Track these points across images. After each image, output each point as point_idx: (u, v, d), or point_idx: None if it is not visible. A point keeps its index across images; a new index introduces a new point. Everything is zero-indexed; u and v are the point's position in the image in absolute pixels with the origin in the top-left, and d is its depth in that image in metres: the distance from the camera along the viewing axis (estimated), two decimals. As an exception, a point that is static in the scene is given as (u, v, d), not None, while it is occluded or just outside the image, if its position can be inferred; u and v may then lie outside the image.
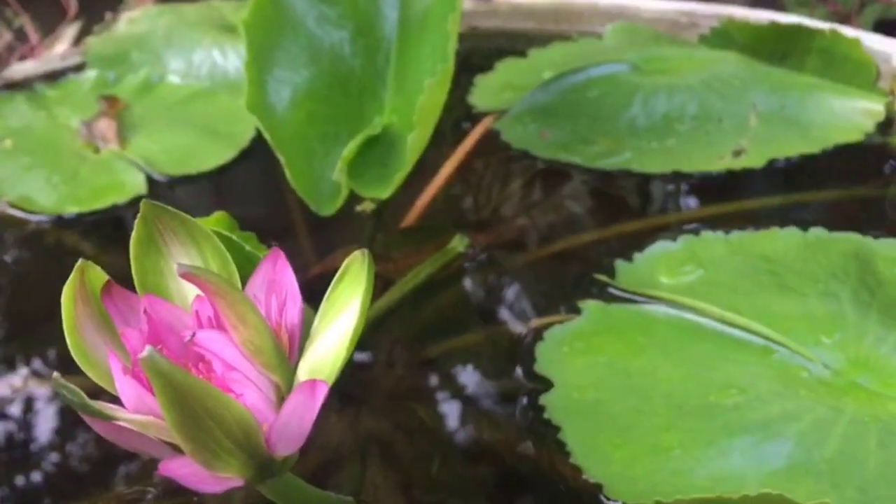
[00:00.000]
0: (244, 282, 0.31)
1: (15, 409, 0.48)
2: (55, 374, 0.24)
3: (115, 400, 0.27)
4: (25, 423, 0.47)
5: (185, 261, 0.29)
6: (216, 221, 0.44)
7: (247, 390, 0.25)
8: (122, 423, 0.25)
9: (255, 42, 0.57)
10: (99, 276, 0.28)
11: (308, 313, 0.29)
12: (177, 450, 0.26)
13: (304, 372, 0.27)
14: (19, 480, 0.44)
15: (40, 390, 0.49)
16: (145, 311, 0.27)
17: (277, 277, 0.29)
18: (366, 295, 0.27)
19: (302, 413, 0.25)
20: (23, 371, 0.50)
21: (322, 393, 0.25)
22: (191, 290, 0.28)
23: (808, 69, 0.68)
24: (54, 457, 0.45)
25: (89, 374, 0.27)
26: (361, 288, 0.27)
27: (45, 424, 0.47)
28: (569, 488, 0.39)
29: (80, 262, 0.28)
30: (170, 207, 0.29)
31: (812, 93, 0.64)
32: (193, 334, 0.25)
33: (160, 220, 0.29)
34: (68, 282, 0.27)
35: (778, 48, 0.70)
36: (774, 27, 0.70)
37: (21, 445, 0.46)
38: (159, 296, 0.28)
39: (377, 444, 0.44)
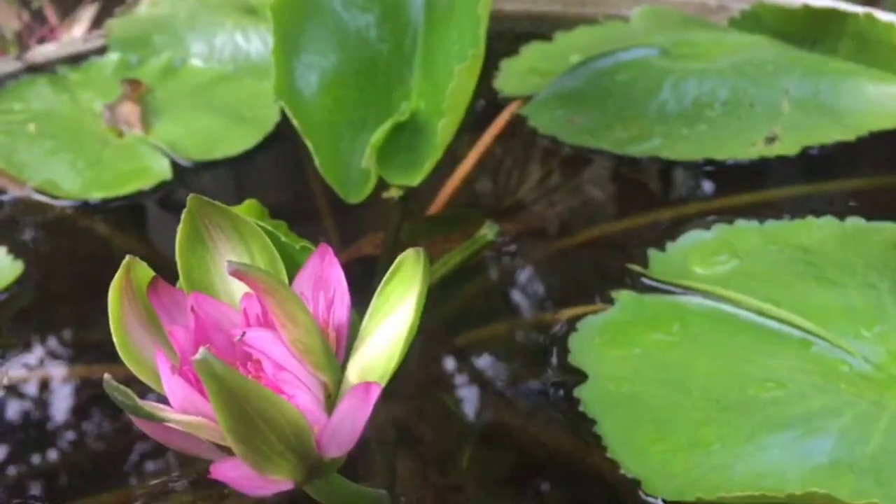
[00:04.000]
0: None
1: (40, 394, 0.48)
2: (106, 375, 0.24)
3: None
4: (47, 407, 0.47)
5: (232, 257, 0.28)
6: (246, 210, 0.43)
7: (298, 392, 0.25)
8: (171, 425, 0.25)
9: (281, 27, 0.56)
10: (145, 272, 0.28)
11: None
12: (224, 450, 0.26)
13: (354, 372, 0.27)
14: (48, 468, 0.43)
15: (65, 375, 0.49)
16: (192, 309, 0.27)
17: (325, 273, 0.28)
18: (420, 295, 0.26)
19: (354, 416, 0.25)
20: (48, 356, 0.50)
21: (375, 396, 0.24)
22: (237, 287, 0.28)
23: (841, 54, 0.66)
24: (81, 445, 0.45)
25: (135, 371, 0.27)
26: (416, 288, 0.26)
27: (70, 410, 0.47)
28: (606, 483, 0.38)
29: (126, 258, 0.27)
30: (217, 203, 0.29)
31: (846, 78, 0.63)
32: (244, 333, 0.25)
33: (207, 215, 0.29)
34: (115, 279, 0.27)
35: (810, 32, 0.69)
36: (807, 11, 0.69)
37: (45, 433, 0.45)
38: (205, 292, 0.28)
39: (407, 434, 0.44)
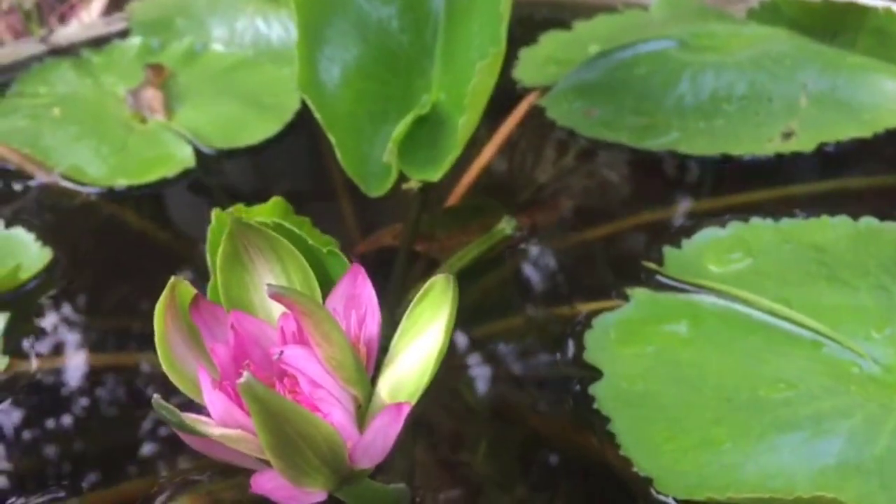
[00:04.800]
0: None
1: (68, 381, 0.49)
2: (155, 395, 0.25)
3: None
4: (75, 394, 0.48)
5: (270, 276, 0.30)
6: (272, 207, 0.44)
7: (333, 409, 0.26)
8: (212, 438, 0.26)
9: (305, 19, 0.56)
10: (188, 290, 0.29)
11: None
12: (262, 460, 0.27)
13: (385, 389, 0.28)
14: (75, 455, 0.45)
15: (93, 363, 0.50)
16: (233, 327, 0.28)
17: (357, 292, 0.29)
18: (450, 321, 0.27)
19: (385, 432, 0.26)
20: (77, 343, 0.51)
21: (405, 414, 0.26)
22: (274, 303, 0.29)
23: (860, 48, 0.67)
24: (108, 433, 0.46)
25: (178, 385, 0.28)
26: (446, 311, 0.27)
27: (98, 397, 0.48)
28: (619, 480, 0.40)
29: (171, 279, 0.28)
30: (256, 225, 0.30)
31: (864, 73, 0.63)
32: (281, 352, 0.26)
33: (246, 236, 0.30)
34: (160, 298, 0.28)
35: (829, 25, 0.69)
36: (826, 4, 0.69)
37: (73, 419, 0.47)
38: (244, 309, 0.29)
39: (423, 426, 0.45)
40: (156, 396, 0.25)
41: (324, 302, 0.30)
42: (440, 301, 0.28)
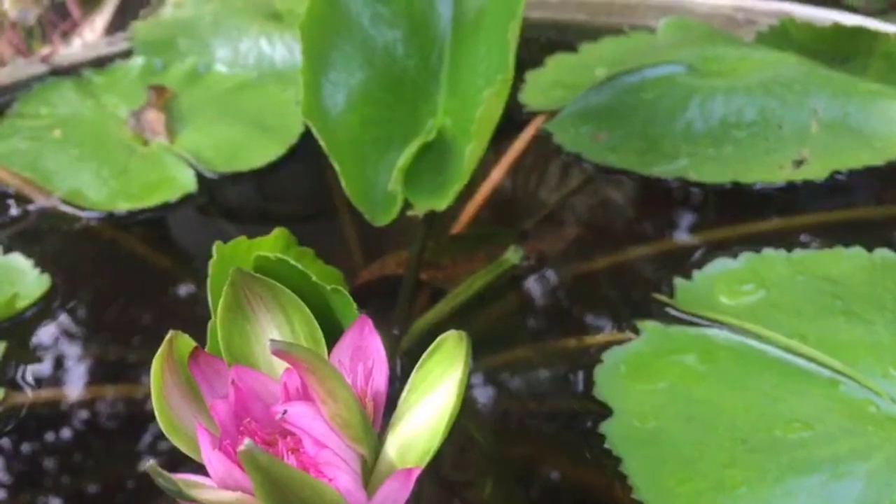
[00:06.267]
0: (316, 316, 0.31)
1: (67, 413, 0.48)
2: (151, 462, 0.24)
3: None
4: (74, 425, 0.47)
5: (273, 327, 0.28)
6: (275, 239, 0.43)
7: (339, 473, 0.25)
8: None
9: (310, 43, 0.55)
10: (187, 343, 0.28)
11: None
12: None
13: (393, 448, 0.27)
14: (76, 491, 0.44)
15: (91, 394, 0.49)
16: (233, 382, 0.27)
17: (364, 344, 0.28)
18: (462, 379, 0.26)
19: (394, 499, 0.25)
20: (76, 373, 0.51)
21: (414, 479, 0.25)
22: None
23: (871, 73, 0.66)
24: (114, 469, 0.45)
25: (176, 442, 0.27)
26: (459, 370, 0.26)
27: (97, 428, 0.47)
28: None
29: (170, 333, 0.27)
30: (259, 275, 0.29)
31: (875, 100, 0.62)
32: (285, 412, 0.25)
33: (248, 287, 0.29)
34: (158, 353, 0.27)
35: (839, 50, 0.68)
36: (836, 28, 0.68)
37: (72, 451, 0.46)
38: (246, 362, 0.28)
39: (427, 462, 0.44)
40: (151, 463, 0.24)
41: (329, 351, 0.29)
42: (452, 358, 0.27)
